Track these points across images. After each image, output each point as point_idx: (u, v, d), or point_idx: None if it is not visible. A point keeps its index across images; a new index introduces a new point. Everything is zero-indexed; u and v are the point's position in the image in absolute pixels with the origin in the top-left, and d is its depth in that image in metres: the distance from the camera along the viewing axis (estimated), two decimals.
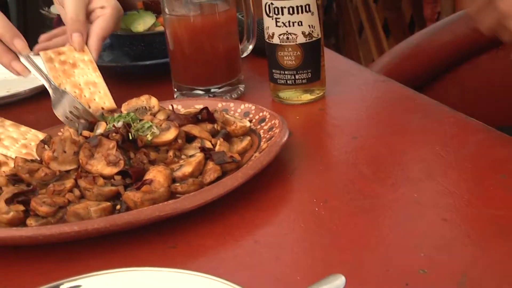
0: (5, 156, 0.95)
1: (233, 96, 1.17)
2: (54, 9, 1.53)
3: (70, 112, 1.03)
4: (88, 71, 1.07)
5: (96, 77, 1.06)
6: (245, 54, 1.21)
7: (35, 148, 0.95)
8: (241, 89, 1.19)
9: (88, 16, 1.13)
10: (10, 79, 1.25)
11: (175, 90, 1.19)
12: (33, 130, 1.01)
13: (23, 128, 1.01)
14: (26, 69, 1.06)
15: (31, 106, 1.24)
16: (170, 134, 0.89)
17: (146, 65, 1.26)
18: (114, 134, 0.87)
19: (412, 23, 3.33)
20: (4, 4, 1.51)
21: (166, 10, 1.15)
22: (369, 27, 3.39)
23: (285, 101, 1.13)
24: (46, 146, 0.94)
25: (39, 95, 1.24)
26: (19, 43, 1.05)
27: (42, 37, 1.15)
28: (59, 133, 1.01)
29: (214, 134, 0.94)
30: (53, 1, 1.52)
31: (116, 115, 0.94)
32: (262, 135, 0.95)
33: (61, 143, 0.86)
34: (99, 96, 1.04)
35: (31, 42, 1.53)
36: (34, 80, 1.12)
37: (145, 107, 1.05)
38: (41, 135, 1.00)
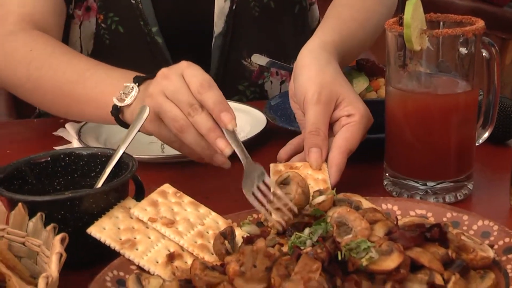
0: (181, 246, 0.78)
1: (458, 197, 0.94)
2: (255, 59, 1.36)
3: (258, 187, 0.84)
4: (315, 189, 0.87)
5: None
6: (477, 143, 0.98)
7: (213, 241, 0.77)
8: (470, 187, 0.95)
9: (331, 126, 0.96)
10: None
11: (386, 175, 0.98)
12: (214, 214, 0.84)
13: (202, 210, 0.84)
14: (229, 145, 0.90)
15: (216, 168, 1.06)
16: (392, 262, 0.67)
17: None
18: (319, 251, 0.67)
19: None
20: (207, 51, 1.39)
21: (391, 80, 0.94)
22: None
23: None
24: (226, 242, 0.76)
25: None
26: (226, 116, 0.89)
27: (282, 153, 1.00)
28: (247, 221, 0.83)
29: (446, 263, 0.71)
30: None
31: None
32: (510, 274, 0.71)
33: (252, 255, 0.67)
34: None
35: (230, 91, 1.41)
36: None
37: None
38: (221, 222, 0.82)
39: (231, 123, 0.89)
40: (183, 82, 0.94)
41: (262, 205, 0.82)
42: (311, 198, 0.82)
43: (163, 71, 0.97)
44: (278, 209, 0.80)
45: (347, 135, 0.94)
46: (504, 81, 2.28)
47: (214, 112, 0.90)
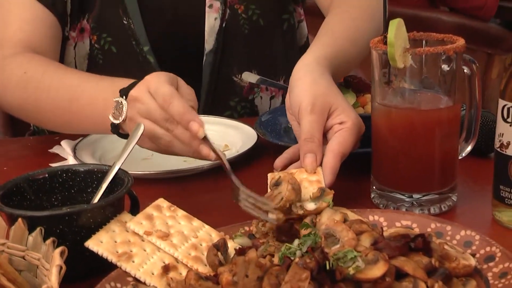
0: (175, 258, 0.81)
1: (443, 208, 0.97)
2: (246, 76, 1.40)
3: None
4: (310, 190, 0.91)
5: None
6: (460, 156, 1.01)
7: (206, 253, 0.80)
8: (454, 199, 0.99)
9: (325, 134, 1.00)
10: None
11: (373, 188, 1.01)
12: (207, 227, 0.87)
13: (196, 223, 0.87)
14: (211, 152, 0.96)
15: (209, 183, 1.10)
16: (378, 270, 0.71)
17: None
18: (308, 261, 0.70)
19: None
20: (199, 68, 1.43)
21: (376, 97, 0.97)
22: None
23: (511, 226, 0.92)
24: (219, 253, 0.79)
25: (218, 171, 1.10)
26: (194, 126, 0.95)
27: (278, 162, 1.03)
28: (239, 233, 0.86)
29: (430, 271, 0.74)
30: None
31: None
32: (491, 281, 0.74)
33: (244, 265, 0.70)
34: None
35: (221, 107, 1.45)
36: None
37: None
38: (214, 235, 0.85)
39: (199, 131, 0.95)
40: (153, 100, 0.99)
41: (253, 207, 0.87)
42: (311, 195, 0.87)
43: (132, 94, 1.03)
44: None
45: (340, 139, 0.97)
46: (490, 95, 2.31)
47: (183, 124, 0.96)
